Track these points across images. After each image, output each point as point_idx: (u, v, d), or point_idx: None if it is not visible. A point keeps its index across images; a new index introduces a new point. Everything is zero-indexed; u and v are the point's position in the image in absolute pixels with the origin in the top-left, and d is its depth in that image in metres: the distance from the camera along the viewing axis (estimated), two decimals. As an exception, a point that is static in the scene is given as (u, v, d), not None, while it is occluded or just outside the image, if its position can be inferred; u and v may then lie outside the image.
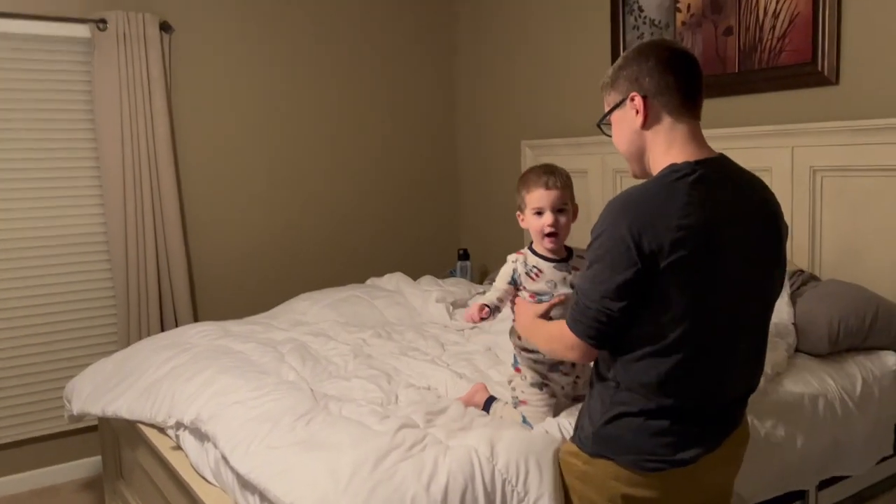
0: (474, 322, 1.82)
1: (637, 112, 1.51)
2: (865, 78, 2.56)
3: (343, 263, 4.07)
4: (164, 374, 2.37)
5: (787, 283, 2.47)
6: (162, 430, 2.25)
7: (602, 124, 1.63)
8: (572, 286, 1.78)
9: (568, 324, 1.51)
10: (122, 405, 2.38)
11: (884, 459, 2.35)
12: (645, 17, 3.24)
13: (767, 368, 2.12)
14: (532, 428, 1.81)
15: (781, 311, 2.38)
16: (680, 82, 1.49)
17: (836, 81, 2.63)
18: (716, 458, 1.54)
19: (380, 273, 3.82)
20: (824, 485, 2.25)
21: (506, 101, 4.07)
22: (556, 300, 1.78)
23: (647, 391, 1.47)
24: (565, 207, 1.84)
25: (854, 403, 2.19)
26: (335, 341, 2.67)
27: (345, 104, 4.02)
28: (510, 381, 1.96)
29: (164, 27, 3.40)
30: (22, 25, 3.12)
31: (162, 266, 3.45)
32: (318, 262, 3.99)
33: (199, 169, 3.61)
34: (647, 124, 1.51)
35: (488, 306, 1.83)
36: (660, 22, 3.19)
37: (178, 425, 2.13)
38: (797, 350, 2.37)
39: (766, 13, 2.80)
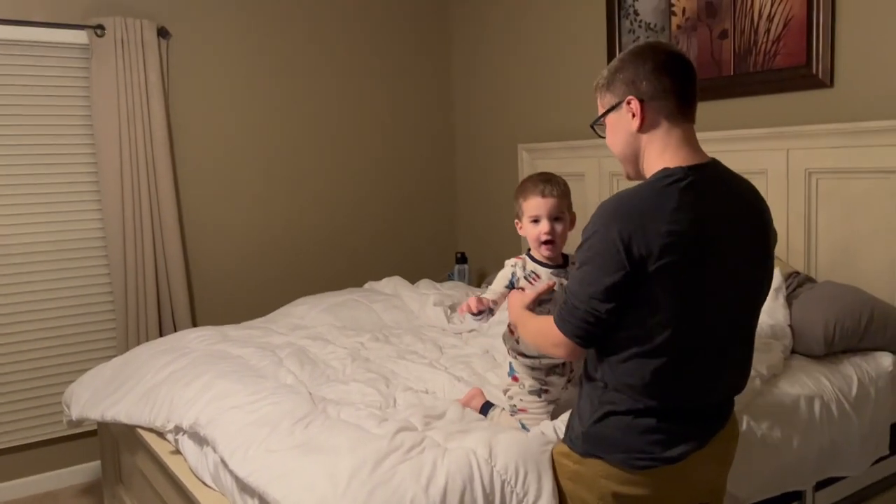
0: (470, 312, 1.81)
1: (634, 115, 1.52)
2: (860, 80, 2.57)
3: (341, 267, 4.08)
4: (163, 378, 2.38)
5: (782, 285, 2.48)
6: (161, 434, 2.26)
7: (596, 125, 1.64)
8: None
9: (556, 322, 1.53)
10: (120, 410, 2.38)
11: (880, 460, 2.35)
12: (640, 21, 3.26)
13: (763, 370, 2.13)
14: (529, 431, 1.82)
15: (777, 312, 2.40)
16: (677, 87, 1.50)
17: (831, 84, 2.65)
18: (705, 456, 1.55)
19: (378, 277, 3.84)
20: (821, 486, 2.26)
21: (502, 105, 4.08)
22: (542, 287, 1.79)
23: (633, 392, 1.49)
24: (562, 216, 1.86)
25: (850, 404, 2.20)
26: (333, 345, 2.68)
27: (342, 108, 4.03)
28: (506, 391, 1.96)
29: (162, 33, 3.42)
30: (20, 31, 3.13)
31: (160, 271, 3.45)
32: (316, 267, 4.00)
33: (197, 174, 3.62)
34: (643, 128, 1.52)
35: (485, 301, 1.84)
36: (655, 25, 3.20)
37: (177, 430, 2.14)
38: (793, 352, 2.38)
39: (760, 16, 2.82)
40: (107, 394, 2.52)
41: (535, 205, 1.84)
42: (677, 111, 1.51)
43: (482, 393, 2.08)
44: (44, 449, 3.36)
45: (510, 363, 1.94)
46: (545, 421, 1.84)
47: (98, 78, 3.24)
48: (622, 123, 1.55)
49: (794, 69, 2.73)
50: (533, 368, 1.89)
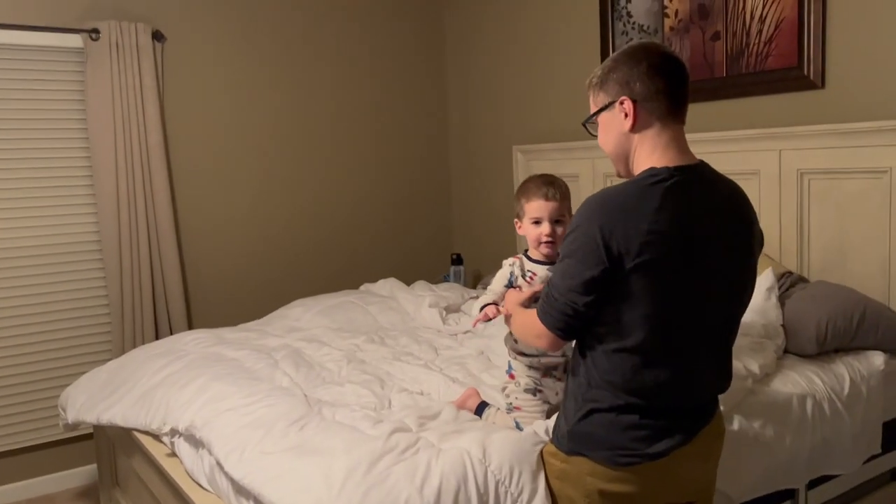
0: (488, 319, 1.87)
1: (626, 116, 1.53)
2: (851, 82, 2.59)
3: (337, 269, 4.08)
4: (159, 381, 2.38)
5: (775, 285, 2.50)
6: (157, 437, 2.26)
7: (588, 124, 1.66)
8: None
9: (538, 313, 1.57)
10: (116, 413, 2.39)
11: (872, 458, 2.37)
12: (634, 23, 3.28)
13: (755, 369, 2.15)
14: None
15: (770, 312, 2.42)
16: (669, 88, 1.52)
17: (822, 85, 2.67)
18: (690, 453, 1.56)
19: (374, 279, 3.84)
20: (813, 484, 2.27)
21: (497, 106, 4.09)
22: (539, 287, 1.81)
23: (615, 389, 1.51)
24: (563, 218, 1.89)
25: (842, 403, 2.22)
26: (329, 347, 2.69)
27: (337, 111, 4.04)
28: (504, 389, 1.98)
29: (157, 36, 3.42)
30: (15, 36, 3.13)
31: (156, 274, 3.46)
32: (311, 269, 4.01)
33: (192, 177, 3.63)
34: (634, 128, 1.53)
35: (499, 308, 1.88)
36: (648, 27, 3.22)
37: (173, 432, 2.14)
38: (786, 351, 2.40)
39: (752, 18, 2.84)
40: (103, 397, 2.52)
41: (538, 207, 1.87)
42: (669, 113, 1.52)
43: (478, 393, 2.09)
44: (40, 452, 3.35)
45: (509, 362, 1.97)
46: (539, 420, 1.85)
47: (93, 81, 3.25)
48: (614, 123, 1.57)
49: (785, 70, 2.75)
50: (530, 367, 1.91)
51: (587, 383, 1.55)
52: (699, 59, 3.03)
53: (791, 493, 2.23)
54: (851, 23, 2.57)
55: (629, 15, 3.29)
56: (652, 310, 1.45)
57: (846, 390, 2.25)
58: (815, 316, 2.36)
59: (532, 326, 1.59)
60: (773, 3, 2.76)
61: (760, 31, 2.82)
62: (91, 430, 3.11)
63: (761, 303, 2.43)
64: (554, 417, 1.86)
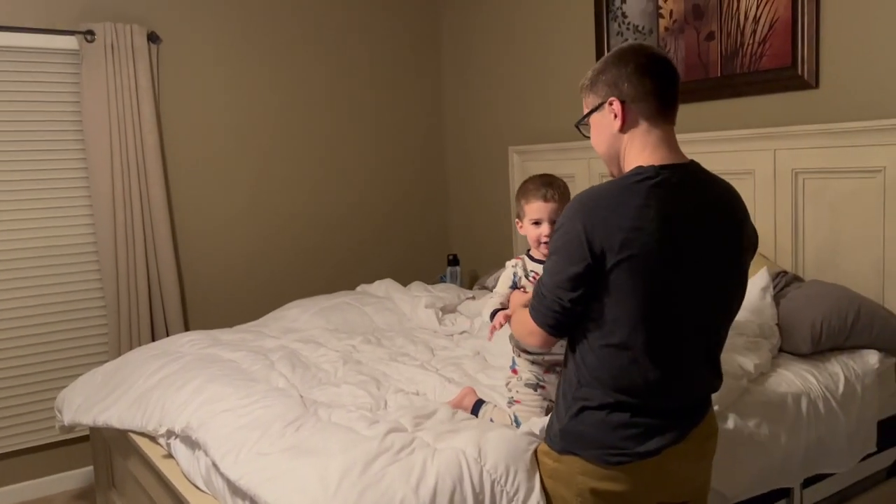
0: (500, 326, 1.89)
1: (615, 116, 1.55)
2: (844, 81, 2.60)
3: (333, 270, 4.09)
4: (155, 383, 2.38)
5: (770, 285, 2.51)
6: (153, 438, 2.26)
7: (580, 125, 1.68)
8: None
9: (529, 311, 1.59)
10: (113, 415, 2.39)
11: (867, 457, 2.38)
12: (629, 24, 3.28)
13: (751, 368, 2.16)
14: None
15: (765, 311, 2.42)
16: (658, 89, 1.53)
17: (816, 85, 2.68)
18: (682, 452, 1.57)
19: (370, 279, 3.85)
20: (809, 482, 2.28)
21: (492, 107, 4.10)
22: None
23: (604, 387, 1.52)
24: None
25: (837, 402, 2.22)
26: (325, 348, 2.69)
27: (333, 112, 4.04)
28: (507, 383, 2.00)
29: (152, 38, 3.42)
30: (9, 38, 3.13)
31: (152, 276, 3.46)
32: (308, 270, 4.01)
33: (188, 178, 3.63)
34: (624, 128, 1.56)
35: (502, 309, 1.91)
36: (643, 28, 3.23)
37: (169, 434, 2.14)
38: (781, 350, 2.40)
39: (746, 18, 2.85)
40: (99, 399, 2.52)
41: (537, 208, 1.90)
42: (658, 112, 1.54)
43: (474, 391, 2.10)
44: (36, 454, 3.35)
45: (513, 358, 1.98)
46: (535, 418, 1.86)
47: (88, 83, 3.25)
48: (605, 124, 1.59)
49: (779, 70, 2.76)
50: (533, 363, 1.93)
51: (577, 381, 1.56)
52: (694, 59, 3.04)
53: (786, 492, 2.24)
54: (845, 23, 2.58)
55: (624, 15, 3.30)
56: (636, 306, 1.46)
57: (841, 389, 2.25)
58: (809, 315, 2.37)
59: (526, 324, 1.61)
60: (766, 3, 2.77)
61: (754, 32, 2.83)
62: (87, 432, 3.11)
63: (756, 302, 2.43)
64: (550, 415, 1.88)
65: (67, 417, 2.63)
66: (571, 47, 3.58)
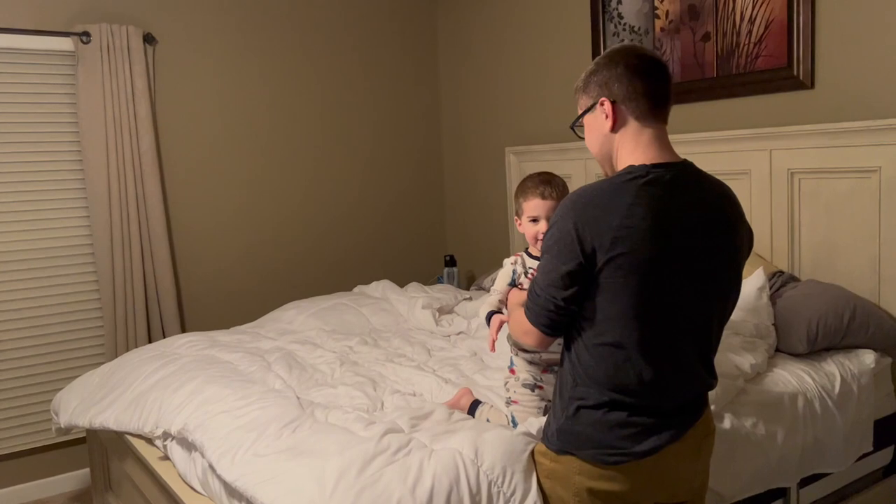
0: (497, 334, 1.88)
1: (607, 116, 1.57)
2: (840, 82, 2.61)
3: (330, 272, 4.08)
4: (152, 384, 2.38)
5: (766, 284, 2.51)
6: (150, 440, 2.26)
7: (575, 127, 1.69)
8: None
9: (524, 311, 1.60)
10: (109, 417, 2.38)
11: (864, 456, 2.38)
12: (625, 24, 3.29)
13: (747, 368, 2.16)
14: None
15: (761, 311, 2.43)
16: (648, 89, 1.54)
17: (812, 85, 2.68)
18: (679, 451, 1.57)
19: (367, 280, 3.85)
20: (805, 482, 2.28)
21: (489, 108, 4.10)
22: None
23: (600, 386, 1.52)
24: None
25: (833, 402, 2.23)
26: (322, 349, 2.69)
27: (330, 113, 4.04)
28: (506, 383, 2.00)
29: (148, 39, 3.42)
30: (5, 39, 3.13)
31: (149, 277, 3.45)
32: (305, 271, 4.01)
33: (184, 179, 3.62)
34: (615, 128, 1.57)
35: (499, 311, 1.90)
36: (639, 28, 3.23)
37: (166, 435, 2.14)
38: (777, 350, 2.41)
39: (742, 19, 2.85)
40: (95, 400, 2.52)
41: (535, 206, 1.91)
42: (649, 112, 1.55)
43: (471, 392, 2.11)
44: (32, 457, 3.34)
45: (511, 358, 1.98)
46: (532, 418, 1.86)
47: (84, 85, 3.24)
48: (597, 124, 1.60)
49: (775, 71, 2.77)
50: (530, 363, 1.93)
51: (573, 380, 1.56)
52: (690, 59, 3.04)
53: (783, 492, 2.24)
54: (840, 23, 2.58)
55: (620, 16, 3.30)
56: (628, 304, 1.46)
57: (837, 389, 2.26)
58: (805, 315, 2.38)
59: (521, 323, 1.62)
60: (762, 4, 2.78)
61: (750, 32, 2.83)
62: (84, 434, 3.10)
63: (752, 302, 2.44)
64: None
65: (64, 419, 2.62)
66: (568, 48, 3.58)
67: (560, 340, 1.64)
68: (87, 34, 3.23)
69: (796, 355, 2.39)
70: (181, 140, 3.60)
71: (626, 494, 1.55)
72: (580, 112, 1.65)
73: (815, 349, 2.37)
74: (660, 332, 1.50)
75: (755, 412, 2.07)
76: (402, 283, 3.69)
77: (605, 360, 1.51)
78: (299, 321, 3.11)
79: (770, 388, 2.17)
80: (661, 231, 1.46)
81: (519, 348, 1.95)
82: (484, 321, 1.92)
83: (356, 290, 3.61)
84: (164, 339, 2.92)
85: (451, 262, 4.06)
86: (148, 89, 3.40)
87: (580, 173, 3.44)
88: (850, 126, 2.50)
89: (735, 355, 2.20)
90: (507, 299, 1.92)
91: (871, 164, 2.47)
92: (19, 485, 3.33)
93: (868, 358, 2.40)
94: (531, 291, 1.57)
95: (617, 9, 3.31)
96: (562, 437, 1.58)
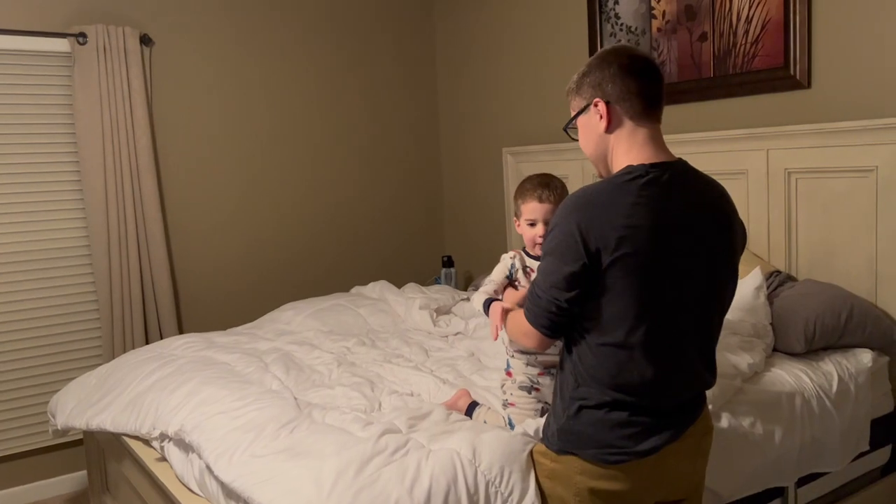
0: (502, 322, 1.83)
1: (601, 117, 1.57)
2: (836, 81, 2.61)
3: (327, 272, 4.08)
4: (149, 386, 2.38)
5: (763, 284, 2.51)
6: (147, 442, 2.25)
7: (568, 128, 1.69)
8: None
9: (524, 312, 1.59)
10: (106, 418, 2.38)
11: (861, 455, 2.39)
12: (622, 24, 3.29)
13: (744, 367, 2.16)
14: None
15: (758, 311, 2.43)
16: (641, 89, 1.55)
17: (808, 85, 2.69)
18: (679, 450, 1.58)
19: (365, 281, 3.85)
20: (803, 481, 2.28)
21: (486, 109, 4.10)
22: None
23: (601, 385, 1.53)
24: None
25: (830, 401, 2.23)
26: (319, 350, 2.69)
27: (327, 114, 4.04)
28: (502, 385, 2.00)
29: (145, 40, 3.42)
30: (1, 40, 3.12)
31: (146, 279, 3.45)
32: (302, 272, 4.00)
33: (181, 181, 3.62)
34: (610, 128, 1.58)
35: (497, 299, 1.87)
36: (636, 29, 3.23)
37: (163, 436, 2.13)
38: (774, 349, 2.41)
39: (739, 19, 2.85)
40: (92, 402, 2.51)
41: (533, 209, 1.90)
42: (642, 112, 1.56)
43: (468, 393, 2.10)
44: (29, 459, 3.34)
45: (507, 360, 1.98)
46: (530, 419, 1.86)
47: (81, 86, 3.24)
48: (591, 125, 1.61)
49: (772, 71, 2.77)
50: (527, 365, 1.92)
51: (575, 381, 1.56)
52: (686, 59, 3.04)
53: (781, 491, 2.24)
54: (836, 23, 2.59)
55: (617, 17, 3.31)
56: (633, 304, 1.47)
57: (834, 388, 2.26)
58: (803, 314, 2.38)
59: (521, 325, 1.61)
60: (759, 3, 2.78)
61: (747, 32, 2.84)
62: (80, 436, 3.10)
63: (750, 301, 2.44)
64: (545, 416, 1.87)
65: (61, 421, 2.62)
66: (565, 48, 3.58)
67: (557, 342, 1.64)
68: (83, 35, 3.22)
69: (794, 355, 2.39)
70: (178, 141, 3.60)
71: (627, 494, 1.56)
72: (573, 114, 1.65)
73: (813, 349, 2.38)
74: (663, 332, 1.51)
75: (753, 412, 2.07)
76: (399, 284, 3.68)
77: (609, 360, 1.51)
78: (297, 322, 3.11)
79: (767, 388, 2.17)
80: (664, 230, 1.46)
81: (515, 350, 1.94)
82: (481, 309, 1.88)
83: (353, 290, 3.61)
84: (162, 341, 2.92)
85: (448, 262, 4.06)
86: (145, 90, 3.39)
87: (577, 174, 3.44)
88: (846, 126, 2.50)
89: (732, 355, 2.20)
90: (502, 290, 1.91)
91: (868, 163, 2.48)
92: (16, 487, 3.32)
93: (865, 357, 2.40)
94: (531, 293, 1.56)
95: (614, 9, 3.31)
96: (563, 437, 1.58)
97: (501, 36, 3.94)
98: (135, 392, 2.39)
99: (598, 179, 1.60)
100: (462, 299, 3.31)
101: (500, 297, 1.91)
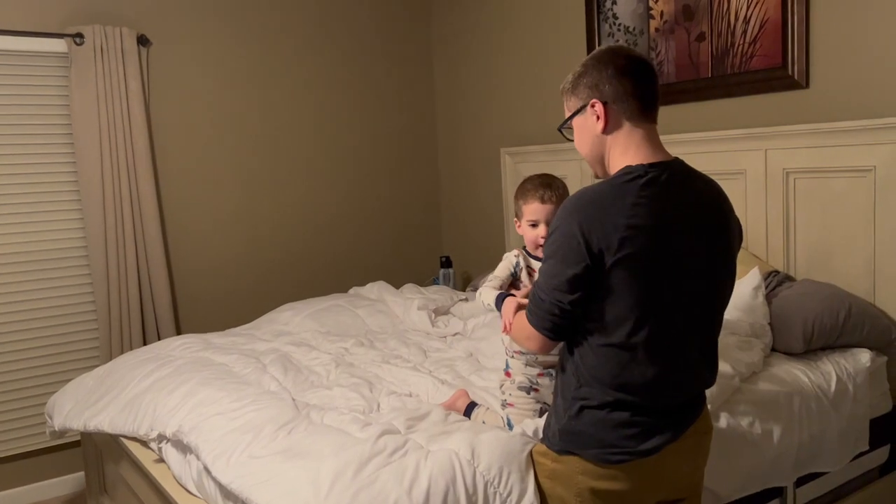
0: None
1: (598, 118, 1.57)
2: (834, 81, 2.61)
3: (326, 273, 4.08)
4: (146, 387, 2.37)
5: (762, 284, 2.51)
6: (144, 443, 2.25)
7: (563, 129, 1.69)
8: None
9: (526, 315, 1.59)
10: (104, 419, 2.37)
11: (860, 455, 2.38)
12: (620, 25, 3.29)
13: (743, 367, 2.16)
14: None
15: (757, 311, 2.43)
16: (637, 89, 1.55)
17: (807, 85, 2.68)
18: (679, 449, 1.58)
19: (363, 282, 3.84)
20: (801, 481, 2.28)
21: (484, 109, 4.10)
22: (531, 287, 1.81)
23: (603, 386, 1.52)
24: None
25: (829, 401, 2.23)
26: (317, 351, 2.68)
27: (324, 114, 4.03)
28: (501, 386, 1.99)
29: (142, 41, 3.41)
30: (-2, 41, 3.12)
31: (143, 279, 3.44)
32: (300, 273, 4.00)
33: (178, 181, 3.61)
34: (606, 129, 1.57)
35: (511, 294, 1.84)
36: (634, 29, 3.23)
37: (161, 438, 2.13)
38: (773, 349, 2.41)
39: (737, 19, 2.85)
40: (90, 403, 2.51)
41: (534, 210, 1.90)
42: (639, 112, 1.56)
43: (467, 394, 2.10)
44: (27, 460, 3.33)
45: (507, 360, 1.98)
46: (528, 420, 1.86)
47: (78, 86, 3.23)
48: (587, 126, 1.60)
49: (770, 70, 2.77)
50: (526, 365, 1.92)
51: (576, 381, 1.56)
52: (684, 59, 3.04)
53: (779, 491, 2.24)
54: (835, 23, 2.59)
55: (615, 17, 3.31)
56: (635, 304, 1.47)
57: (833, 388, 2.26)
58: (801, 314, 2.38)
59: (523, 328, 1.61)
60: (757, 3, 2.78)
61: (745, 32, 2.84)
62: (78, 437, 3.09)
63: (748, 301, 2.44)
64: (544, 417, 1.87)
65: (58, 422, 2.61)
66: (563, 49, 3.58)
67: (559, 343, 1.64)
68: (80, 35, 3.22)
69: (792, 354, 2.39)
70: (175, 141, 3.59)
71: (628, 493, 1.56)
72: (569, 114, 1.65)
73: (811, 348, 2.38)
74: (664, 332, 1.51)
75: (751, 411, 2.07)
76: (397, 285, 3.68)
77: (611, 360, 1.51)
78: (295, 323, 3.10)
79: (766, 388, 2.17)
80: (664, 230, 1.47)
81: (514, 350, 1.94)
82: (492, 304, 1.84)
83: (352, 291, 3.61)
84: (159, 342, 2.91)
85: (446, 263, 4.06)
86: (142, 91, 3.39)
87: (576, 174, 3.44)
88: (845, 125, 2.50)
89: (731, 355, 2.20)
90: (507, 288, 1.90)
91: (866, 163, 2.48)
92: (13, 489, 3.31)
93: (864, 357, 2.40)
94: (534, 296, 1.56)
95: (612, 9, 3.31)
96: (564, 437, 1.58)
97: (499, 36, 3.94)
98: (132, 393, 2.39)
99: (598, 180, 1.60)
100: (460, 300, 3.30)
101: (511, 292, 1.89)
